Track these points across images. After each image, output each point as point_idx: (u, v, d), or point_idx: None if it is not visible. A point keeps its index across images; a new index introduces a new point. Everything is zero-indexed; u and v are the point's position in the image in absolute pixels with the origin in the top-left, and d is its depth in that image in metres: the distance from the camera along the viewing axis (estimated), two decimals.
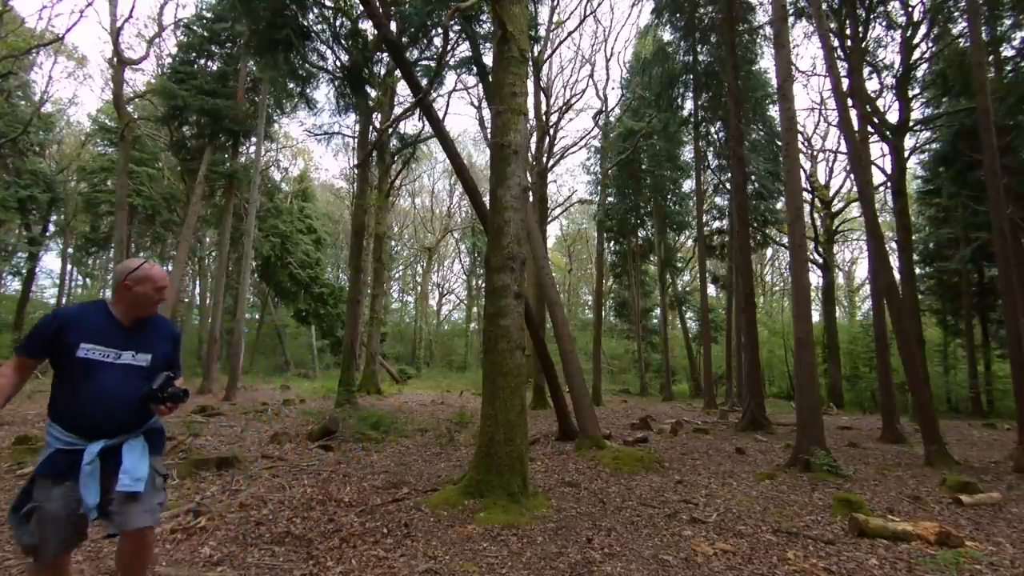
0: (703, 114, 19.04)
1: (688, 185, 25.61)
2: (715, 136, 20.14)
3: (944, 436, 7.98)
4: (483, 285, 25.83)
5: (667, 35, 18.89)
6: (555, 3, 17.99)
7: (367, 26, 11.62)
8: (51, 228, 28.91)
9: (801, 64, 46.36)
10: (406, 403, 15.38)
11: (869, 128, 13.28)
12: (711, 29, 16.76)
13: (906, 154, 15.60)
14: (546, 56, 18.51)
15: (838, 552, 3.77)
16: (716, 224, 23.66)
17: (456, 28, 10.31)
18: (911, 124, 15.39)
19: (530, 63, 10.76)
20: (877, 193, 18.31)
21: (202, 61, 19.78)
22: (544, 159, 18.26)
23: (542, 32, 17.39)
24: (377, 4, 9.24)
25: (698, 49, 17.81)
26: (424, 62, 12.40)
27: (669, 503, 5.01)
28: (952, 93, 15.01)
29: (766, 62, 36.40)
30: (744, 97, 15.67)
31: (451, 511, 4.40)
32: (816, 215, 23.12)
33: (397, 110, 15.64)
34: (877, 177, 17.29)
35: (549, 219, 24.66)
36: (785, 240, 18.55)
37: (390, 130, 15.61)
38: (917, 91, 15.83)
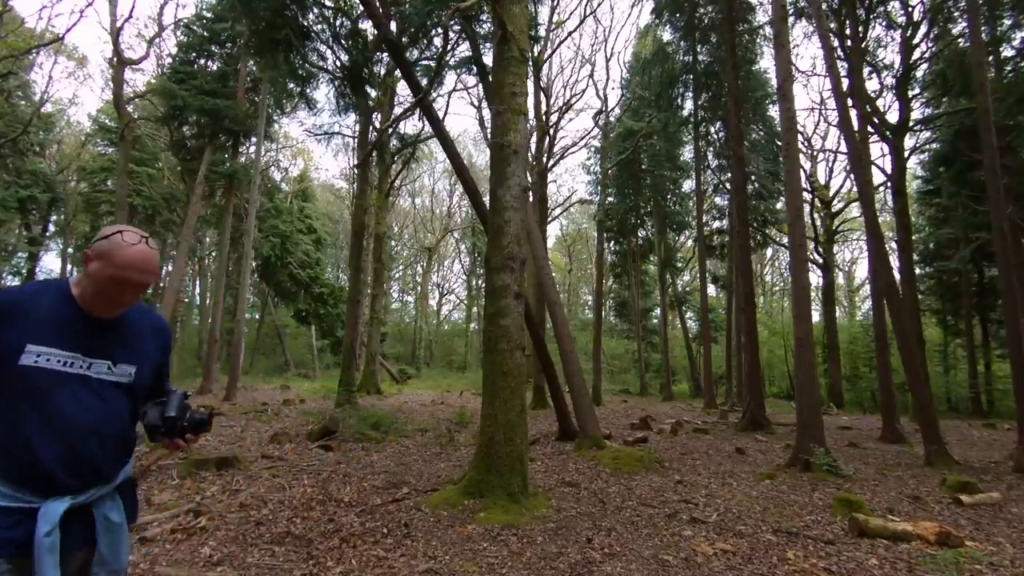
0: (703, 114, 19.05)
1: (688, 185, 25.66)
2: (715, 136, 20.14)
3: (944, 436, 7.98)
4: (483, 285, 25.83)
5: (667, 35, 18.91)
6: (555, 3, 17.99)
7: (367, 26, 11.63)
8: (51, 228, 28.94)
9: (801, 64, 46.36)
10: (406, 403, 15.38)
11: (869, 128, 13.29)
12: (711, 29, 16.77)
13: (906, 154, 15.61)
14: (546, 56, 18.51)
15: (838, 552, 3.77)
16: (716, 224, 23.67)
17: (456, 28, 10.32)
18: (911, 124, 15.39)
19: (530, 63, 10.76)
20: (877, 193, 18.31)
21: (202, 61, 19.78)
22: (544, 159, 18.26)
23: (542, 32, 17.40)
24: (377, 4, 9.24)
25: (698, 49, 17.82)
26: (424, 62, 12.40)
27: (669, 503, 5.01)
28: (952, 93, 15.01)
29: (766, 62, 36.32)
30: (744, 97, 15.67)
31: (451, 511, 4.40)
32: (816, 215, 23.12)
33: (397, 110, 15.64)
34: (877, 177, 17.31)
35: (549, 219, 24.66)
36: (785, 240, 18.55)
37: (390, 130, 15.61)
38: (917, 91, 15.84)
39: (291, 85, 13.57)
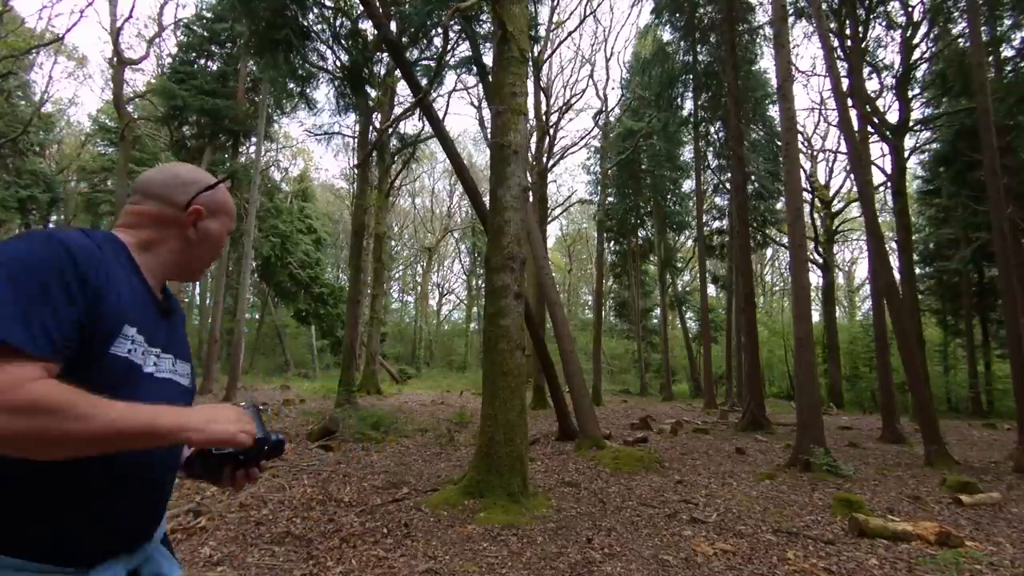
0: (703, 114, 19.05)
1: (688, 185, 25.66)
2: (715, 136, 20.14)
3: (944, 436, 7.98)
4: (483, 285, 25.81)
5: (667, 35, 18.92)
6: (555, 3, 17.99)
7: (367, 26, 11.62)
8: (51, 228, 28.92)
9: (801, 64, 46.36)
10: (406, 403, 15.37)
11: (869, 128, 13.29)
12: (711, 29, 16.77)
13: (906, 154, 15.60)
14: (546, 56, 18.52)
15: (838, 552, 3.77)
16: (716, 224, 23.67)
17: (456, 28, 10.32)
18: (911, 124, 15.39)
19: (530, 63, 10.76)
20: (877, 193, 18.30)
21: (202, 61, 19.80)
22: (544, 159, 18.27)
23: (542, 32, 17.40)
24: (377, 4, 9.24)
25: (698, 49, 17.82)
26: (424, 62, 12.40)
27: (669, 503, 5.01)
28: (952, 93, 15.01)
29: (766, 62, 36.36)
30: (744, 97, 15.67)
31: (451, 511, 4.40)
32: (816, 215, 23.11)
33: (397, 110, 15.63)
34: (877, 177, 17.31)
35: (549, 219, 24.67)
36: (785, 240, 18.54)
37: (390, 130, 15.60)
38: (917, 91, 15.84)
39: (291, 85, 13.56)
